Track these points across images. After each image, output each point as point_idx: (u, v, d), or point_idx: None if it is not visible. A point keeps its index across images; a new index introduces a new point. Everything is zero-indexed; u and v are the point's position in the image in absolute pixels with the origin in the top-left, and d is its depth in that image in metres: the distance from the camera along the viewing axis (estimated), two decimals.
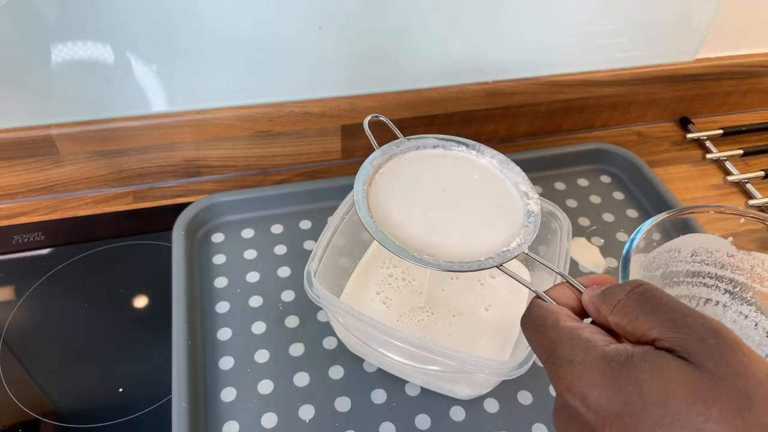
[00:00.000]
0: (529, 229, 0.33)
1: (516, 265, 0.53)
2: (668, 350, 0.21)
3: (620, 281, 0.27)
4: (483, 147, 0.38)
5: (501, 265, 0.31)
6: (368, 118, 0.41)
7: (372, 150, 0.38)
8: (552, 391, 0.47)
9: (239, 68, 0.57)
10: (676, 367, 0.20)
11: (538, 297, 0.28)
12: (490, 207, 0.35)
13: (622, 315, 0.23)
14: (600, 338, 0.23)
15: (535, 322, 0.26)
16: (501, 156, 0.37)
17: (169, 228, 0.55)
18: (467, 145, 0.38)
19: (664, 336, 0.22)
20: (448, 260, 0.32)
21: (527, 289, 0.50)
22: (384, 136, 0.40)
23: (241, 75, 0.58)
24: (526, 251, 0.32)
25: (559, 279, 0.42)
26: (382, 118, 0.41)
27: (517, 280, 0.31)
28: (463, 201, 0.35)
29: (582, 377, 0.22)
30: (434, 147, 0.39)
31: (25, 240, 0.57)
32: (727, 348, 0.20)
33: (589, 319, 0.26)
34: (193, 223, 0.56)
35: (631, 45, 0.67)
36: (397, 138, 0.39)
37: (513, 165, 0.37)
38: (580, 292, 0.27)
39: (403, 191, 0.36)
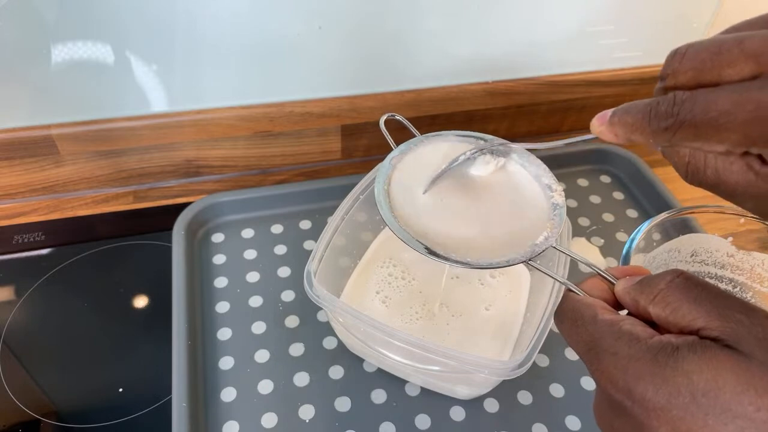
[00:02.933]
0: (556, 222, 0.33)
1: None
2: (715, 340, 0.21)
3: None
4: (503, 141, 0.38)
5: (530, 259, 0.31)
6: (384, 117, 0.40)
7: (388, 148, 0.38)
8: (552, 391, 0.47)
9: (239, 68, 0.57)
10: (725, 357, 0.20)
11: (569, 290, 0.27)
12: (514, 201, 0.35)
13: (664, 305, 0.23)
14: (642, 330, 0.23)
15: (571, 316, 0.25)
16: (521, 149, 0.36)
17: (169, 228, 0.55)
18: (486, 140, 0.38)
19: (710, 325, 0.21)
20: (474, 258, 0.31)
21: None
22: (397, 135, 0.40)
23: (242, 75, 0.58)
24: (554, 245, 0.31)
25: (561, 276, 0.42)
26: (398, 117, 0.41)
27: (547, 273, 0.30)
28: (486, 196, 0.35)
29: (627, 370, 0.22)
30: (453, 143, 0.38)
31: (25, 240, 0.57)
32: None
33: (625, 311, 0.25)
34: (193, 223, 0.56)
35: (631, 45, 0.67)
36: (414, 136, 0.39)
37: (534, 158, 0.36)
38: (612, 284, 0.26)
39: (424, 188, 0.35)
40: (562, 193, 0.34)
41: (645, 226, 0.41)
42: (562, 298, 0.27)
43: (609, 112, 0.25)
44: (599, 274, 0.27)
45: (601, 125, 0.26)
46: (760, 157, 0.22)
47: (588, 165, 0.67)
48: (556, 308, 0.27)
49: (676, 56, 0.23)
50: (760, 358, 0.20)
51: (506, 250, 0.32)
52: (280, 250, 0.56)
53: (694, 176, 0.25)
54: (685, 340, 0.21)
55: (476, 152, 0.35)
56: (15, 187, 0.60)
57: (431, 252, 0.31)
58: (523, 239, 0.32)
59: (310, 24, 0.55)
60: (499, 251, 0.32)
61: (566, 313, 0.26)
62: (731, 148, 0.22)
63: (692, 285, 0.23)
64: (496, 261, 0.31)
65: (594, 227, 0.61)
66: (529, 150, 0.36)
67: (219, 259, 0.55)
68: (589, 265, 0.29)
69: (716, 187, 0.24)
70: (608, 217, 0.62)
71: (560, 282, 0.29)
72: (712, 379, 0.20)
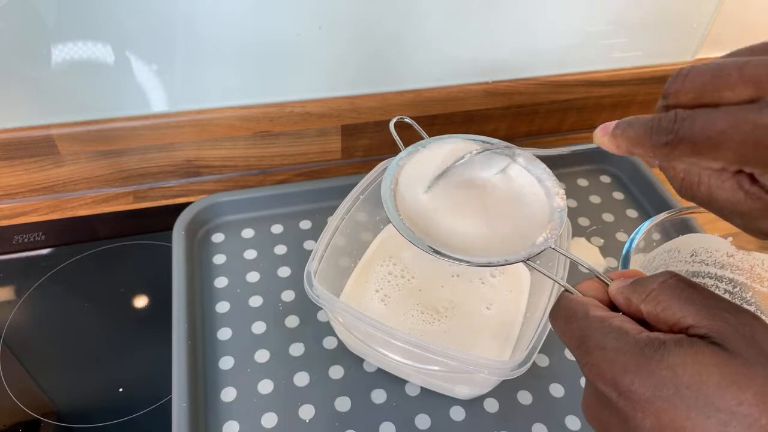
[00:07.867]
0: (556, 224, 0.33)
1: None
2: (702, 337, 0.21)
3: None
4: (508, 144, 0.38)
5: (528, 259, 0.32)
6: (395, 119, 0.41)
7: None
8: (552, 391, 0.47)
9: (239, 68, 0.57)
10: (710, 353, 0.21)
11: (566, 291, 0.28)
12: (516, 202, 0.35)
13: (655, 303, 0.24)
14: (631, 327, 0.23)
15: (564, 314, 0.26)
16: (526, 153, 0.37)
17: (169, 228, 0.55)
18: (492, 143, 0.38)
19: (698, 323, 0.22)
20: (475, 256, 0.32)
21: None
22: (404, 136, 0.40)
23: (242, 75, 0.58)
24: (553, 246, 0.32)
25: (560, 276, 0.43)
26: (408, 120, 0.42)
27: (544, 273, 0.31)
28: (489, 198, 0.36)
29: (615, 363, 0.22)
30: (461, 146, 0.39)
31: (25, 240, 0.57)
32: (761, 336, 0.21)
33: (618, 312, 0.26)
34: (193, 223, 0.56)
35: (631, 45, 0.67)
36: (422, 138, 0.39)
37: (538, 161, 0.37)
38: (607, 285, 0.27)
39: (428, 186, 0.36)
40: (564, 196, 0.35)
41: (645, 226, 0.41)
42: (558, 297, 0.28)
43: (612, 123, 0.26)
44: (596, 275, 0.28)
45: (603, 136, 0.26)
46: (750, 176, 0.23)
47: (588, 165, 0.67)
48: (551, 307, 0.28)
49: (679, 77, 0.24)
50: (745, 355, 0.20)
51: (506, 250, 0.32)
52: (280, 250, 0.56)
53: (687, 191, 0.26)
54: (673, 337, 0.22)
55: (481, 152, 0.36)
56: (15, 187, 0.60)
57: (434, 250, 0.32)
58: (523, 240, 0.33)
59: (310, 24, 0.55)
60: (500, 251, 0.32)
61: (560, 310, 0.27)
62: (726, 166, 0.23)
63: (684, 285, 0.24)
64: (495, 260, 0.31)
65: (594, 227, 0.61)
66: (533, 154, 0.36)
67: (219, 259, 0.55)
68: (587, 266, 0.30)
69: (708, 203, 0.25)
70: (608, 217, 0.62)
71: (558, 283, 0.30)
72: (696, 373, 0.20)
